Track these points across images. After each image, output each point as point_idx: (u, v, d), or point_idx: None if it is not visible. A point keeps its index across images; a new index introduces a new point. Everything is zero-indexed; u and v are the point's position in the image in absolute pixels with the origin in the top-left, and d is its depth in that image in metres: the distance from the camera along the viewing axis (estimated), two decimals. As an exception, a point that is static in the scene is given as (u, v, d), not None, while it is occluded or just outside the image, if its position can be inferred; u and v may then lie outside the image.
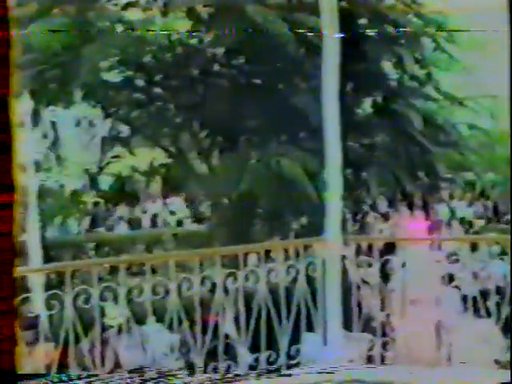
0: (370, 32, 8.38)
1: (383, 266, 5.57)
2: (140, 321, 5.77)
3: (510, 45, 4.59)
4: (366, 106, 9.03)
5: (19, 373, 2.83)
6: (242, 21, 7.68)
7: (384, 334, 5.58)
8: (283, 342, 5.65)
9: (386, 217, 10.55)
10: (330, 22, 5.25)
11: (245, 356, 5.72)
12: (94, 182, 8.91)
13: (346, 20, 5.67)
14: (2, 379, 2.56)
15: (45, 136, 7.41)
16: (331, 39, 5.25)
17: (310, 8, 7.45)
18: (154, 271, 5.64)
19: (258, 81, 8.30)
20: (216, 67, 8.46)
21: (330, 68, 5.37)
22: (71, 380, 4.25)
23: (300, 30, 7.76)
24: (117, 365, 5.76)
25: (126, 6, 8.03)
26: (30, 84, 7.67)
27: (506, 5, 3.14)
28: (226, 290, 5.70)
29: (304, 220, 8.57)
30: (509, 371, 4.59)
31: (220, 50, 8.36)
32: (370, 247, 5.81)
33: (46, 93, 7.86)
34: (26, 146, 7.26)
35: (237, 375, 5.03)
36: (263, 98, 8.09)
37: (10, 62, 2.41)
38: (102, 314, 5.52)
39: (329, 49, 5.33)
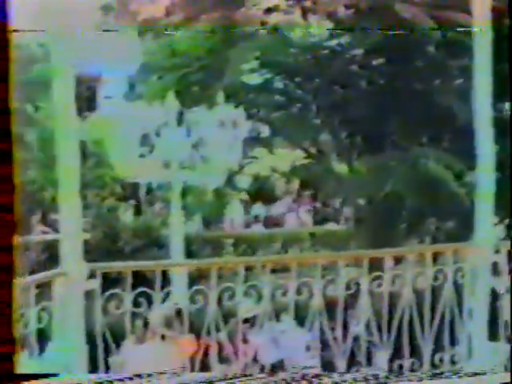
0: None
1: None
2: (277, 317, 5.88)
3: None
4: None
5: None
6: (389, 19, 7.65)
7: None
8: (426, 349, 5.61)
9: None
10: (481, 19, 5.16)
11: (385, 361, 5.72)
12: (234, 180, 9.14)
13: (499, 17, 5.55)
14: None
15: (188, 136, 7.69)
16: (483, 37, 5.15)
17: (459, 5, 7.32)
18: (288, 269, 5.74)
19: (398, 81, 8.24)
20: (355, 68, 8.47)
21: (481, 67, 5.28)
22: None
23: (445, 28, 7.63)
24: (254, 359, 5.91)
25: (268, 10, 8.20)
26: (175, 86, 8.02)
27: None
28: (370, 293, 5.71)
29: (450, 223, 8.43)
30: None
31: (360, 51, 8.38)
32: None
33: (190, 94, 8.17)
34: (171, 144, 7.57)
35: (376, 377, 5.02)
36: (405, 98, 8.03)
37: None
38: (240, 307, 5.67)
39: (480, 47, 5.24)
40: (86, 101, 9.74)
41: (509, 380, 4.40)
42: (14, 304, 2.73)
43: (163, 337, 5.76)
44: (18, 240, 2.64)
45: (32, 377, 3.92)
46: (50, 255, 6.03)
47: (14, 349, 2.74)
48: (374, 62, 8.45)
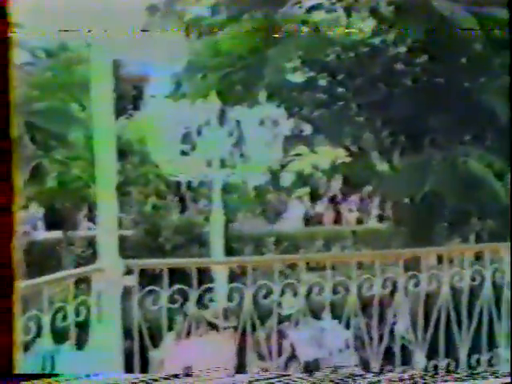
0: None
1: None
2: (316, 315, 5.90)
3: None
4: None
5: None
6: (429, 16, 7.59)
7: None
8: (463, 350, 5.56)
9: None
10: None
11: (421, 361, 5.70)
12: (275, 179, 9.19)
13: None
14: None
15: (230, 134, 7.75)
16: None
17: (501, 1, 7.23)
18: (333, 268, 5.77)
19: (441, 79, 8.16)
20: (399, 66, 8.42)
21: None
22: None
23: (487, 25, 7.54)
24: (292, 357, 5.93)
25: (310, 9, 8.21)
26: (217, 85, 8.10)
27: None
28: (406, 292, 5.70)
29: (491, 223, 8.35)
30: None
31: (403, 49, 8.32)
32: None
33: (232, 93, 8.23)
34: (212, 143, 7.64)
35: (412, 377, 5.01)
36: (447, 96, 7.96)
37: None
38: (279, 304, 5.70)
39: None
40: (132, 100, 9.89)
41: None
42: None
43: (207, 333, 5.82)
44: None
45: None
46: (94, 251, 6.15)
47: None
48: (418, 60, 8.38)
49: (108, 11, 5.55)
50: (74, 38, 7.82)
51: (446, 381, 4.86)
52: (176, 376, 4.57)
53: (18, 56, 8.04)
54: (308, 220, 10.19)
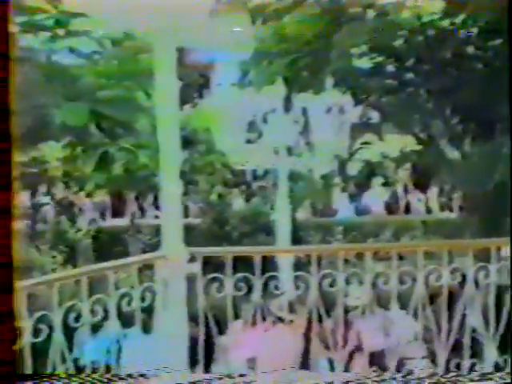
0: None
1: None
2: (383, 305, 5.80)
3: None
4: None
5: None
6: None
7: None
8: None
9: None
10: None
11: (492, 355, 5.53)
12: (342, 167, 9.08)
13: None
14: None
15: (296, 122, 7.66)
16: None
17: None
18: (401, 258, 5.65)
19: (514, 63, 7.89)
20: (470, 50, 8.18)
21: None
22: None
23: None
24: (358, 347, 5.84)
25: (377, -9, 8.06)
26: (283, 72, 8.02)
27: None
28: (476, 284, 5.54)
29: None
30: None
31: (474, 31, 8.07)
32: None
33: (298, 80, 8.15)
34: (278, 131, 7.57)
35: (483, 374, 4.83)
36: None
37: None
38: (346, 294, 5.61)
39: None
40: (199, 88, 9.90)
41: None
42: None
43: (272, 325, 5.78)
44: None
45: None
46: (160, 238, 6.18)
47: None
48: (490, 43, 8.12)
49: (173, -1, 5.54)
50: (139, 27, 7.86)
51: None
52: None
53: (85, 45, 8.14)
54: (377, 209, 10.05)
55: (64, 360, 4.42)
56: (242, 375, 4.43)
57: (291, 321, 5.73)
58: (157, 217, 9.10)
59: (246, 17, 8.39)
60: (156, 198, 9.52)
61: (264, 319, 5.58)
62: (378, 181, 10.21)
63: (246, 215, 8.70)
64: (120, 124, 8.27)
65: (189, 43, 8.11)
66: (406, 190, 10.49)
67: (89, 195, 9.81)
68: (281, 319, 5.75)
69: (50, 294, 4.41)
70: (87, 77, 7.96)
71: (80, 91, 7.82)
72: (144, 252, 8.11)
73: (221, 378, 4.32)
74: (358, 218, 9.75)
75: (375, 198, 10.47)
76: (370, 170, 9.54)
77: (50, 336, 4.38)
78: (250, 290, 5.39)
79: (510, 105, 3.79)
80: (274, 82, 7.77)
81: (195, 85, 9.65)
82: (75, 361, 4.72)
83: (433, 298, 5.58)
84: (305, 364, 5.41)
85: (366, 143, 8.93)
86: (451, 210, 9.73)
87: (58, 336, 4.38)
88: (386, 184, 9.98)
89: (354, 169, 9.23)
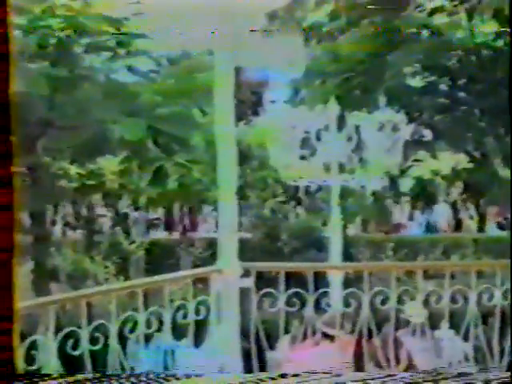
0: None
1: None
2: (434, 324, 5.81)
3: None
4: None
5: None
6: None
7: None
8: None
9: None
10: None
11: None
12: (394, 184, 9.09)
13: None
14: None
15: (349, 139, 7.74)
16: None
17: None
18: (452, 277, 5.66)
19: None
20: (524, 70, 8.15)
21: None
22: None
23: None
24: (410, 366, 5.86)
25: (432, 12, 8.10)
26: (336, 91, 8.12)
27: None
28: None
29: None
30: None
31: (529, 52, 8.05)
32: None
33: (351, 98, 8.23)
34: (331, 148, 7.66)
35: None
36: None
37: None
38: (398, 310, 5.65)
39: None
40: (252, 105, 10.04)
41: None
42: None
43: (323, 337, 5.83)
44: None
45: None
46: (212, 252, 6.32)
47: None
48: (545, 63, 8.09)
49: (229, 16, 5.67)
50: (196, 46, 8.04)
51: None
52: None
53: (144, 64, 8.35)
54: (428, 227, 10.01)
55: (122, 368, 4.56)
56: (295, 375, 4.51)
57: (339, 337, 5.77)
58: (209, 231, 9.23)
59: (300, 36, 8.52)
60: (208, 212, 9.66)
61: (313, 335, 5.65)
62: (429, 198, 10.19)
63: (298, 231, 8.78)
64: (176, 140, 8.44)
65: (244, 62, 8.26)
66: (456, 208, 10.44)
67: (143, 208, 9.99)
68: (329, 336, 5.80)
69: (107, 304, 4.56)
70: (145, 94, 8.16)
71: (138, 108, 8.03)
72: (195, 265, 8.25)
73: (274, 379, 4.40)
74: (408, 234, 9.73)
75: (426, 214, 10.44)
76: (421, 187, 9.54)
77: (106, 344, 4.52)
78: (300, 306, 5.46)
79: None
80: (327, 102, 7.87)
81: (249, 102, 9.80)
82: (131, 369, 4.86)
83: (485, 317, 5.59)
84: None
85: (417, 160, 8.94)
86: (503, 229, 9.65)
87: (114, 344, 4.52)
88: (436, 201, 9.94)
89: (404, 185, 9.24)
